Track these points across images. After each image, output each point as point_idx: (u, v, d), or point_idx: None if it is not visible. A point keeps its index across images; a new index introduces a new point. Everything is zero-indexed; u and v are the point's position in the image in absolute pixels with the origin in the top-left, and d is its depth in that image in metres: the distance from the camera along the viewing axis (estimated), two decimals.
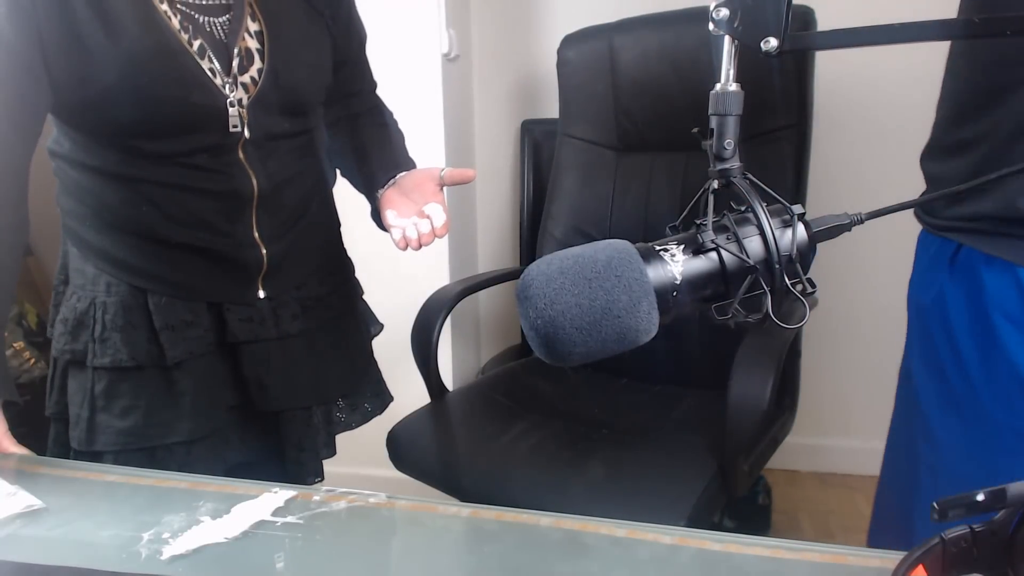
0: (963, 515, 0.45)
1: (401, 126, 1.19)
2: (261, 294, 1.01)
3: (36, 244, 2.18)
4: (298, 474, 1.07)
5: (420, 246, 0.96)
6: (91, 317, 0.94)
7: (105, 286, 0.95)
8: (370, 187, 1.08)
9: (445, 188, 1.02)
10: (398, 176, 1.05)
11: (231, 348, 1.00)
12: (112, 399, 0.94)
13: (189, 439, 0.97)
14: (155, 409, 0.95)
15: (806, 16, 1.51)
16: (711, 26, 0.47)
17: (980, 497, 0.45)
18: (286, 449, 1.06)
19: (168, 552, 0.66)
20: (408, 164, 1.09)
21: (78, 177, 0.94)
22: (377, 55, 1.18)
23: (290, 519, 0.71)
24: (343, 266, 1.16)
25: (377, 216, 1.07)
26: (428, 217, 0.96)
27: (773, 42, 0.46)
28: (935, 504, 0.46)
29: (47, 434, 1.01)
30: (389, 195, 1.03)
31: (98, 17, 0.83)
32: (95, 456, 0.94)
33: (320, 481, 1.11)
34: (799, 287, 0.45)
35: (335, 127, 1.13)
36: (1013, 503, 0.45)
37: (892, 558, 0.47)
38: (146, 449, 0.95)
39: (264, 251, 0.99)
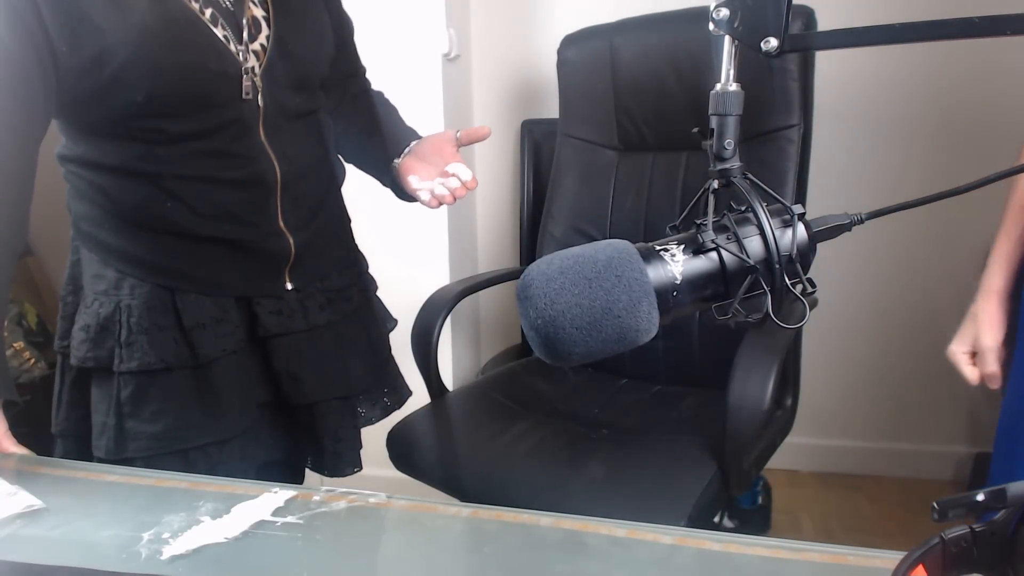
0: (963, 515, 0.45)
1: None
2: (289, 286, 1.01)
3: (36, 244, 2.18)
4: (337, 466, 1.07)
5: (455, 199, 1.00)
6: (116, 322, 0.92)
7: (129, 289, 0.93)
8: (385, 159, 1.09)
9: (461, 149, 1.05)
10: (413, 144, 1.06)
11: (261, 343, 1.00)
12: (140, 404, 0.93)
13: (222, 439, 0.96)
14: (186, 410, 0.94)
15: (806, 16, 1.51)
16: (711, 26, 0.47)
17: (980, 497, 0.45)
18: (324, 441, 1.05)
19: (168, 552, 0.66)
20: (415, 133, 1.11)
21: (94, 179, 0.93)
22: (377, 55, 1.18)
23: (290, 519, 0.71)
24: (357, 260, 1.17)
25: (395, 187, 1.08)
26: (454, 175, 0.99)
27: (773, 42, 0.45)
28: (935, 504, 0.46)
29: (47, 434, 1.00)
30: (408, 163, 1.05)
31: None
32: (124, 464, 0.92)
33: (359, 471, 1.11)
34: (799, 287, 0.45)
35: (338, 111, 1.14)
36: (1013, 503, 0.45)
37: (892, 558, 0.47)
38: (178, 452, 0.94)
39: (291, 240, 0.99)
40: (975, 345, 1.08)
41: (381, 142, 1.10)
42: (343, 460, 1.07)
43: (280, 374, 1.00)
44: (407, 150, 1.07)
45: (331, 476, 1.08)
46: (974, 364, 1.09)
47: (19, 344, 1.94)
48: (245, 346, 0.98)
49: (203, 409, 0.95)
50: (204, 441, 0.95)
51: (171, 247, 0.93)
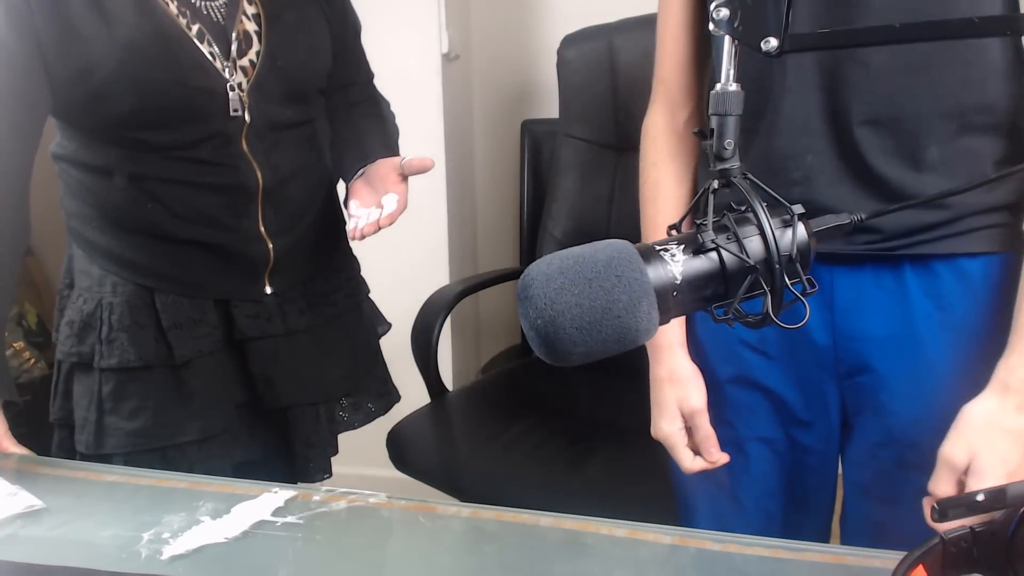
0: (963, 515, 0.45)
1: (401, 126, 1.18)
2: (268, 290, 1.00)
3: (36, 244, 2.17)
4: (306, 471, 1.07)
5: (362, 236, 0.96)
6: (97, 318, 0.94)
7: (111, 287, 0.94)
8: (345, 179, 1.08)
9: (412, 178, 1.02)
10: (366, 167, 1.05)
11: (238, 345, 1.00)
12: (120, 400, 0.94)
13: (199, 438, 0.97)
14: (164, 409, 0.95)
15: None
16: (711, 26, 0.47)
17: (980, 497, 0.45)
18: (295, 446, 1.05)
19: (168, 552, 0.66)
20: (383, 155, 1.07)
21: (82, 178, 0.94)
22: (376, 55, 1.17)
23: (290, 519, 0.71)
24: (348, 263, 1.16)
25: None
26: (381, 207, 0.97)
27: (773, 42, 0.45)
28: (935, 504, 0.46)
29: (47, 434, 1.00)
30: (355, 186, 1.04)
31: (94, 7, 0.83)
32: (103, 460, 0.93)
33: (328, 478, 1.10)
34: (799, 287, 0.45)
35: (333, 118, 1.13)
36: (1013, 503, 0.45)
37: (892, 558, 0.47)
38: (157, 450, 0.95)
39: (270, 246, 0.98)
40: (683, 411, 0.89)
41: (342, 160, 1.08)
42: (313, 466, 1.07)
43: (255, 377, 1.01)
44: (360, 173, 1.06)
45: (301, 481, 1.08)
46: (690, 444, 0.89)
47: (19, 344, 1.94)
48: (223, 347, 0.99)
49: (181, 408, 0.96)
50: (182, 439, 0.96)
51: (151, 248, 0.94)
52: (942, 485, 0.72)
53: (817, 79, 0.78)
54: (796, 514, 0.91)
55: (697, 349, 0.92)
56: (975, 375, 0.78)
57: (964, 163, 0.77)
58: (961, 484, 0.72)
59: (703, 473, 0.92)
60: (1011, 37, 0.79)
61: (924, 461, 0.79)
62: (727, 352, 0.88)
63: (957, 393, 0.78)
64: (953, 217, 0.77)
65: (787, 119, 0.79)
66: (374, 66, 1.17)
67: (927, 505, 0.73)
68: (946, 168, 0.77)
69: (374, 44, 1.16)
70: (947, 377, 0.79)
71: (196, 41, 0.89)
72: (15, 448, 0.87)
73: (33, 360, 1.94)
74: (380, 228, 0.97)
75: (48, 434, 1.01)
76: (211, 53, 0.90)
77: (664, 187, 0.93)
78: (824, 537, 0.93)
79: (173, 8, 0.88)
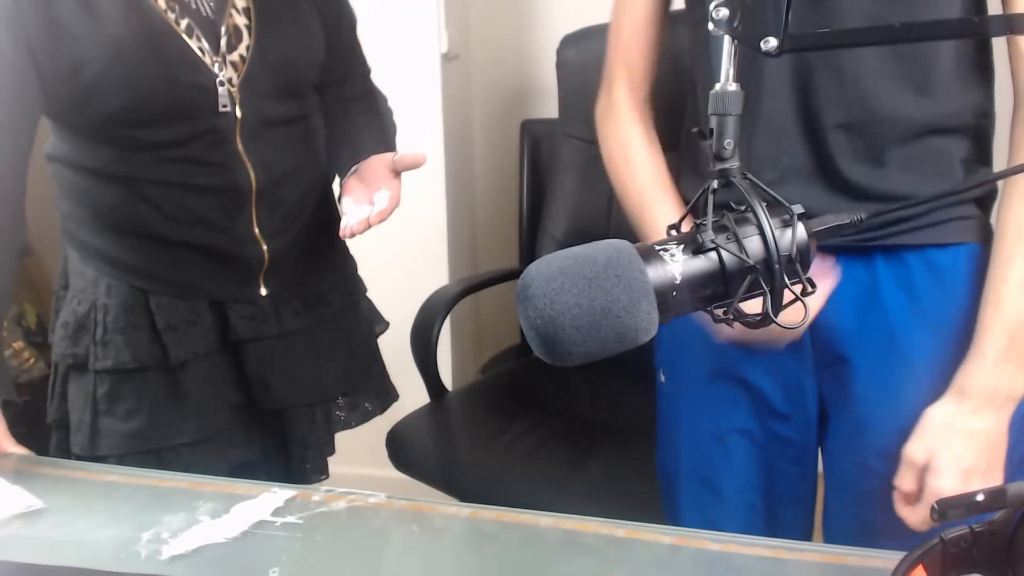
0: (963, 515, 0.45)
1: (399, 126, 1.18)
2: (263, 291, 1.00)
3: (35, 244, 2.17)
4: (303, 472, 1.07)
5: (351, 234, 0.94)
6: (92, 320, 0.94)
7: (106, 288, 0.95)
8: (340, 175, 1.07)
9: (407, 174, 1.00)
10: (360, 164, 1.04)
11: (233, 347, 1.00)
12: (115, 402, 0.94)
13: (194, 440, 0.97)
14: (159, 411, 0.95)
15: None
16: (710, 26, 0.47)
17: (980, 497, 0.45)
18: (291, 447, 1.05)
19: (167, 552, 0.66)
20: (377, 151, 1.05)
21: (76, 179, 0.94)
22: (375, 54, 1.17)
23: (289, 519, 0.71)
24: (345, 263, 1.16)
25: None
26: (373, 204, 0.95)
27: (773, 42, 0.45)
28: (935, 504, 0.46)
29: (46, 434, 1.00)
30: (349, 183, 1.02)
31: (82, 4, 0.83)
32: (98, 461, 0.93)
33: (325, 479, 1.11)
34: (799, 287, 0.45)
35: (329, 115, 1.12)
36: (1013, 503, 0.45)
37: (891, 558, 0.47)
38: (151, 452, 0.95)
39: (265, 247, 0.98)
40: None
41: (338, 157, 1.07)
42: (309, 467, 1.07)
43: (251, 379, 1.00)
44: (353, 170, 1.04)
45: (297, 482, 1.08)
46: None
47: (18, 344, 1.94)
48: (217, 349, 0.99)
49: (176, 410, 0.96)
50: (177, 441, 0.96)
51: (145, 250, 0.94)
52: (904, 481, 0.78)
53: (792, 83, 0.80)
54: (778, 506, 0.92)
55: (678, 342, 0.93)
56: (946, 364, 0.80)
57: (931, 163, 0.80)
58: (922, 480, 0.76)
59: (686, 466, 0.94)
60: (975, 42, 0.81)
61: (900, 451, 0.80)
62: (705, 345, 0.89)
63: (929, 382, 0.80)
64: (923, 210, 0.79)
65: (764, 121, 0.81)
66: (372, 65, 1.17)
67: (897, 499, 0.78)
68: (913, 168, 0.79)
69: (372, 43, 1.16)
70: (919, 366, 0.81)
71: (185, 36, 0.88)
72: (14, 448, 0.87)
73: (32, 360, 1.94)
74: (370, 226, 0.96)
75: (47, 434, 1.01)
76: (200, 48, 0.89)
77: (634, 144, 0.97)
78: (807, 529, 0.95)
79: (161, 3, 0.88)
